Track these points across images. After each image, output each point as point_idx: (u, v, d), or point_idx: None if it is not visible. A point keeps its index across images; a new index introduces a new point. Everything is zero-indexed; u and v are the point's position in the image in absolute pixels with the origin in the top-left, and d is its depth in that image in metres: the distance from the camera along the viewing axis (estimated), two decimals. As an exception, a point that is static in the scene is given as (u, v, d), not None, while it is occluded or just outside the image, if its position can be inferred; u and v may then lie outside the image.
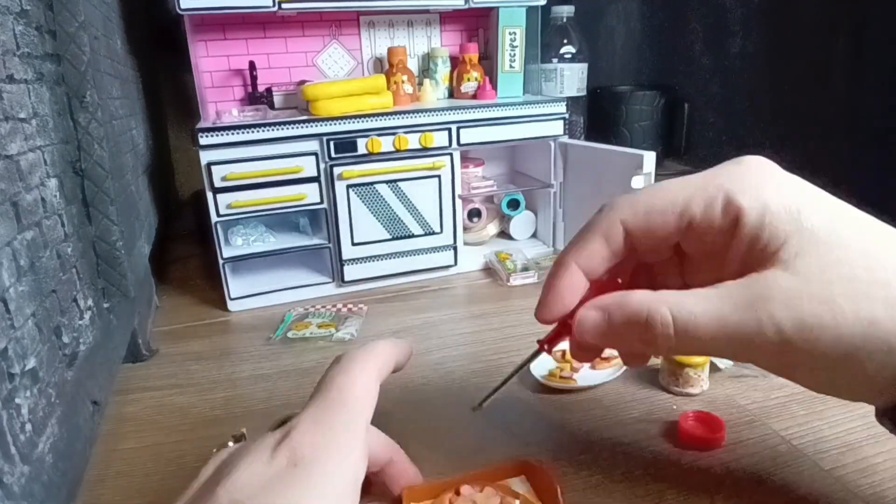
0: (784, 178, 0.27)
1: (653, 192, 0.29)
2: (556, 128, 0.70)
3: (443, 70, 0.75)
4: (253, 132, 0.60)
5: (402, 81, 0.71)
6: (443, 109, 0.65)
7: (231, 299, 0.63)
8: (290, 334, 0.56)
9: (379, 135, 0.63)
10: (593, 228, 0.30)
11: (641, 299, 0.28)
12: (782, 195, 0.26)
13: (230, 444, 0.29)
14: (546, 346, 0.32)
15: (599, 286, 0.30)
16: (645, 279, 0.32)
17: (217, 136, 0.59)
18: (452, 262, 0.70)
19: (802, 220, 0.25)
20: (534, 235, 0.78)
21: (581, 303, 0.30)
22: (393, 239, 0.67)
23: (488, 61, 0.76)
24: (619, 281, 0.31)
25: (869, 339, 0.24)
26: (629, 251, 0.30)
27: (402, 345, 0.34)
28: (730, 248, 0.27)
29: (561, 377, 0.46)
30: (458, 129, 0.66)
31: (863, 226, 0.26)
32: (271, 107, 0.71)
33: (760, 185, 0.26)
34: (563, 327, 0.31)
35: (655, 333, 0.27)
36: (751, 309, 0.25)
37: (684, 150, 1.18)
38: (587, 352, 0.32)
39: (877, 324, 0.24)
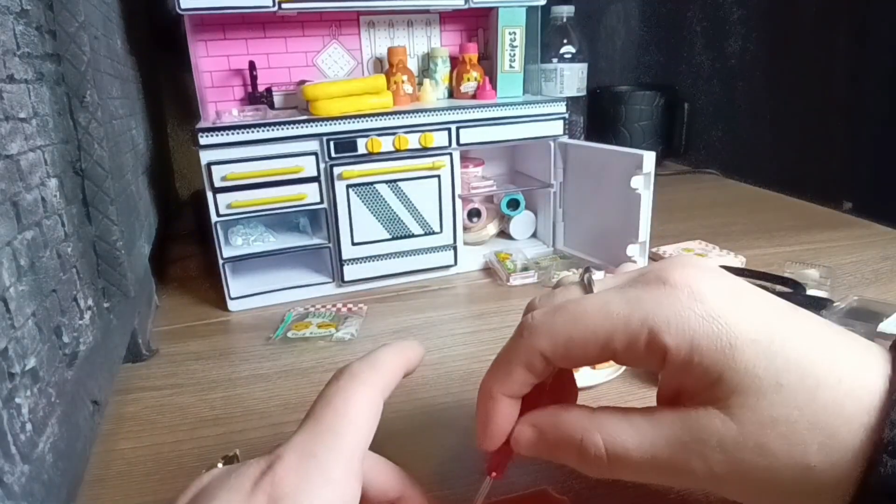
0: (714, 305, 0.25)
1: (573, 320, 0.27)
2: (556, 128, 0.70)
3: (443, 70, 0.75)
4: (253, 132, 0.60)
5: (402, 81, 0.71)
6: (443, 109, 0.66)
7: (231, 299, 0.63)
8: (290, 334, 0.56)
9: (379, 135, 0.63)
10: (514, 359, 0.29)
11: (575, 424, 0.27)
12: (712, 327, 0.24)
13: (219, 464, 0.26)
14: (495, 473, 0.31)
15: (528, 397, 0.30)
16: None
17: (217, 136, 0.59)
18: (452, 262, 0.70)
19: (736, 356, 0.24)
20: (534, 235, 0.78)
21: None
22: (393, 239, 0.67)
23: (488, 61, 0.76)
24: (547, 383, 0.31)
25: (801, 483, 0.23)
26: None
27: (411, 349, 0.30)
28: (661, 373, 0.27)
29: (561, 377, 0.46)
30: (458, 129, 0.66)
31: (800, 349, 0.24)
32: (271, 107, 0.71)
33: (687, 319, 0.25)
34: (500, 450, 0.31)
35: (589, 459, 0.27)
36: (685, 449, 0.25)
37: (684, 149, 1.18)
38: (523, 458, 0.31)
39: (811, 469, 0.23)
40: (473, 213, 0.75)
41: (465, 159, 0.74)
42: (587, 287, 0.29)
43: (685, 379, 0.25)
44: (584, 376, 0.46)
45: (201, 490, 0.23)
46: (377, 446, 0.37)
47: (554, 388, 0.32)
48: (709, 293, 0.25)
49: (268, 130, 0.60)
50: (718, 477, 0.25)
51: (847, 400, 0.23)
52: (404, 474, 0.29)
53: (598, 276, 0.30)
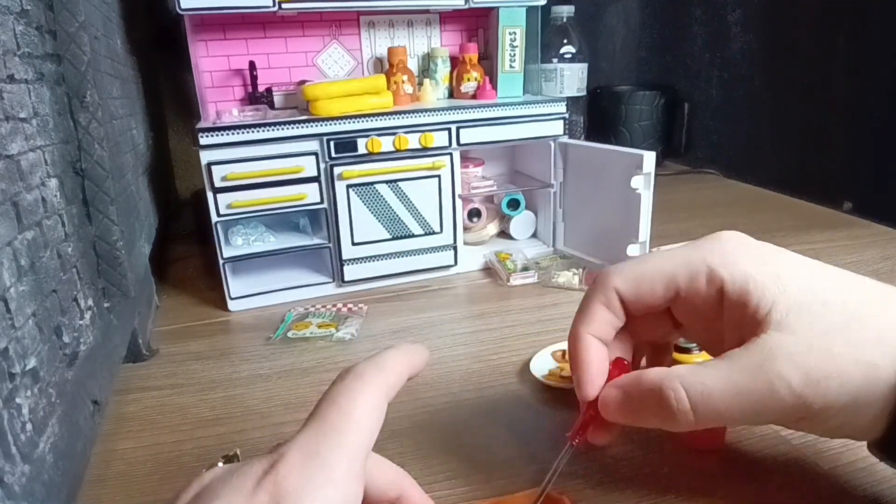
0: (760, 249, 0.30)
1: (641, 262, 0.32)
2: (556, 128, 0.70)
3: (443, 70, 0.75)
4: (253, 132, 0.60)
5: (402, 81, 0.71)
6: (443, 109, 0.65)
7: (231, 299, 0.63)
8: (290, 334, 0.56)
9: (379, 135, 0.63)
10: (593, 298, 0.33)
11: (654, 376, 0.30)
12: (761, 263, 0.29)
13: (220, 463, 0.26)
14: (577, 440, 0.32)
15: (613, 369, 0.33)
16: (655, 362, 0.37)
17: (217, 136, 0.59)
18: (452, 262, 0.70)
19: (784, 284, 0.28)
20: (534, 235, 0.78)
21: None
22: (393, 239, 0.67)
23: (488, 61, 0.76)
24: (627, 362, 0.34)
25: (871, 382, 0.26)
26: (626, 322, 0.33)
27: (416, 352, 0.30)
28: (722, 317, 0.30)
29: (561, 377, 0.46)
30: (458, 129, 0.66)
31: (835, 279, 0.29)
32: (271, 107, 0.71)
33: (739, 257, 0.30)
34: (588, 414, 0.32)
35: (672, 409, 0.28)
36: (760, 371, 0.27)
37: (684, 149, 1.18)
38: (607, 433, 0.33)
39: (875, 367, 0.26)
40: (473, 213, 0.75)
41: (465, 159, 0.74)
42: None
43: (744, 312, 0.28)
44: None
45: (203, 488, 0.23)
46: (378, 446, 0.37)
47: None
48: (753, 243, 0.31)
49: (268, 130, 0.60)
50: (796, 393, 0.26)
51: (883, 312, 0.27)
52: (404, 474, 0.29)
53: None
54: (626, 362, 0.33)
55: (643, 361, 0.37)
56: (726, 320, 0.29)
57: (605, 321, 0.32)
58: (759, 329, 0.28)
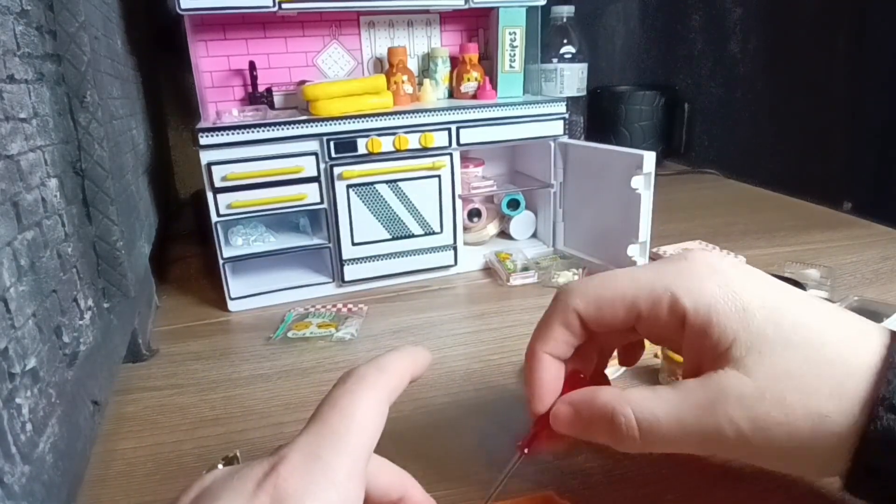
0: (728, 275, 0.29)
1: (604, 283, 0.31)
2: (556, 128, 0.70)
3: (443, 70, 0.75)
4: (253, 132, 0.60)
5: (402, 81, 0.71)
6: (443, 109, 0.65)
7: (231, 299, 0.63)
8: (290, 334, 0.56)
9: (379, 135, 0.63)
10: (552, 317, 0.32)
11: (607, 399, 0.29)
12: (727, 294, 0.28)
13: (220, 465, 0.26)
14: (526, 450, 0.32)
15: (568, 381, 0.33)
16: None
17: (217, 136, 0.59)
18: (452, 262, 0.70)
19: (748, 319, 0.27)
20: (534, 235, 0.78)
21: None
22: (393, 239, 0.67)
23: (488, 61, 0.76)
24: (582, 376, 0.34)
25: (818, 432, 0.25)
26: (589, 336, 0.32)
27: (418, 355, 0.30)
28: (682, 341, 0.29)
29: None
30: (458, 129, 0.66)
31: (805, 316, 0.27)
32: (271, 107, 0.71)
33: (704, 285, 0.28)
34: (539, 426, 0.33)
35: (621, 433, 0.29)
36: (709, 411, 0.27)
37: (684, 149, 1.18)
38: (556, 443, 0.33)
39: (825, 417, 0.25)
40: (473, 213, 0.75)
41: (465, 159, 0.74)
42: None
43: (703, 343, 0.28)
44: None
45: (203, 490, 0.23)
46: (378, 446, 0.37)
47: (592, 381, 0.34)
48: (724, 268, 0.29)
49: (268, 130, 0.60)
50: (743, 436, 0.26)
51: (850, 355, 0.26)
52: (406, 475, 0.29)
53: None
54: (581, 375, 0.34)
55: (612, 357, 0.38)
56: (686, 347, 0.29)
57: (562, 340, 0.32)
58: (716, 363, 0.27)
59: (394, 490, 0.28)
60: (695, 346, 0.28)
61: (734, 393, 0.26)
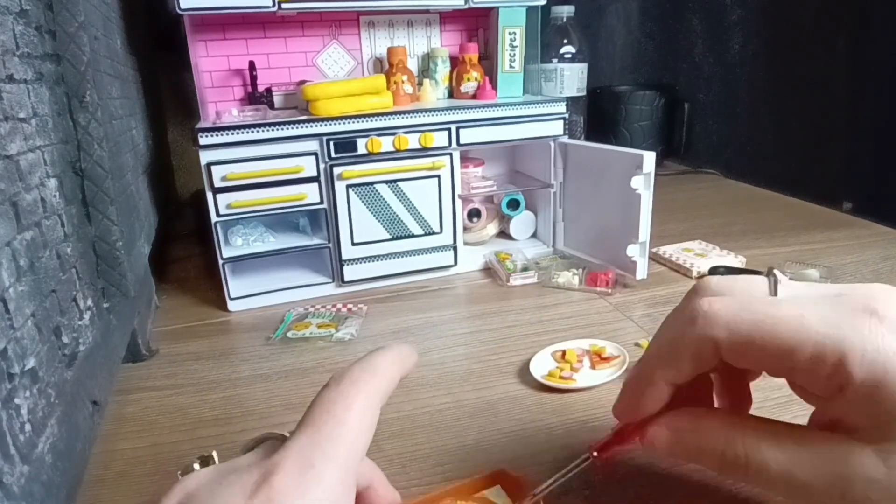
0: None
1: (761, 320, 0.25)
2: (556, 128, 0.70)
3: (443, 70, 0.75)
4: (253, 132, 0.60)
5: (402, 81, 0.71)
6: (443, 109, 0.65)
7: (231, 299, 0.63)
8: (289, 334, 0.56)
9: (379, 135, 0.63)
10: (684, 344, 0.27)
11: (717, 435, 0.27)
12: None
13: (196, 466, 0.25)
14: (597, 454, 0.31)
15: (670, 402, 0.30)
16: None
17: (217, 136, 0.59)
18: (452, 262, 0.70)
19: None
20: (534, 235, 0.78)
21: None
22: (393, 239, 0.67)
23: (488, 61, 0.76)
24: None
25: None
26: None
27: (405, 355, 0.29)
28: (830, 402, 0.25)
29: (561, 377, 0.46)
30: (458, 129, 0.66)
31: None
32: (271, 107, 0.71)
33: (885, 356, 0.23)
34: (619, 437, 0.31)
35: (729, 469, 0.27)
36: (828, 481, 0.24)
37: (684, 149, 1.18)
38: (628, 453, 0.32)
39: None
40: (473, 213, 0.75)
41: (465, 159, 0.74)
42: (772, 289, 0.27)
43: (854, 413, 0.24)
44: (584, 376, 0.46)
45: (188, 496, 0.22)
46: (378, 445, 0.37)
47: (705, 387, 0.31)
48: None
49: (268, 130, 0.60)
50: None
51: None
52: (373, 464, 0.29)
53: (783, 278, 0.28)
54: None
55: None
56: (833, 405, 0.25)
57: (686, 372, 0.27)
58: (858, 435, 0.24)
59: (363, 480, 0.28)
60: (840, 411, 0.25)
61: (864, 477, 0.23)
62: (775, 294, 0.27)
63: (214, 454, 0.26)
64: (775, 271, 0.28)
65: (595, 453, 0.31)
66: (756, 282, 0.28)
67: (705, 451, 0.27)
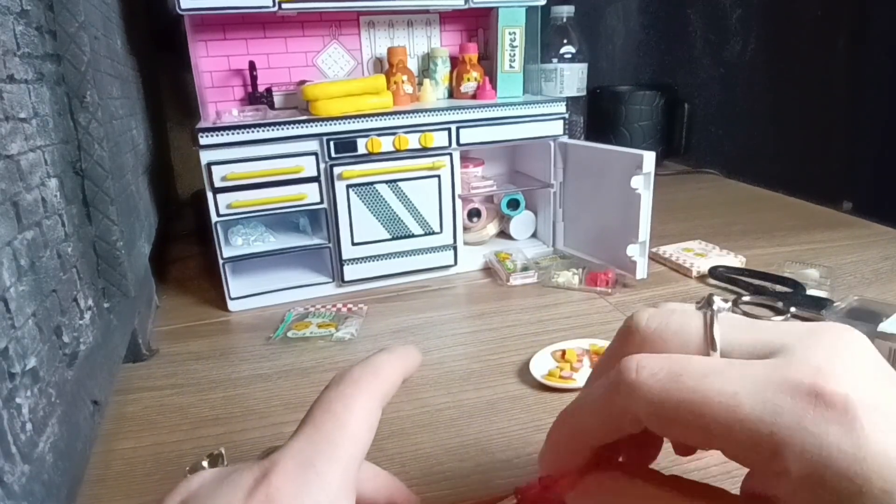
0: (866, 433, 0.19)
1: (688, 401, 0.22)
2: (556, 128, 0.70)
3: (442, 70, 0.75)
4: (253, 132, 0.60)
5: (402, 81, 0.71)
6: (443, 109, 0.66)
7: (231, 299, 0.63)
8: (290, 334, 0.56)
9: (379, 135, 0.63)
10: (608, 415, 0.25)
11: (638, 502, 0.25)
12: (851, 469, 0.19)
13: (204, 464, 0.25)
14: (519, 497, 0.30)
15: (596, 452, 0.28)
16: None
17: (217, 136, 0.59)
18: (452, 262, 0.70)
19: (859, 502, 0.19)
20: (534, 235, 0.78)
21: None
22: (393, 239, 0.67)
23: (488, 61, 0.76)
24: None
25: None
26: None
27: (409, 356, 0.29)
28: (767, 484, 0.22)
29: (561, 377, 0.46)
30: (458, 129, 0.66)
31: None
32: (271, 107, 0.71)
33: (829, 454, 0.20)
34: (544, 484, 0.30)
35: None
36: None
37: (684, 149, 1.18)
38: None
39: None
40: (473, 213, 0.75)
41: (465, 159, 0.74)
42: (707, 330, 0.24)
43: (795, 499, 0.21)
44: (584, 376, 0.46)
45: (190, 495, 0.22)
46: (378, 445, 0.37)
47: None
48: (866, 419, 0.20)
49: (268, 130, 0.60)
50: None
51: None
52: (391, 477, 0.28)
53: (721, 308, 0.25)
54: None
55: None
56: (767, 485, 0.22)
57: (610, 435, 0.25)
58: None
59: (381, 494, 0.28)
60: (781, 491, 0.22)
61: None
62: (711, 338, 0.24)
63: (223, 451, 0.26)
64: (715, 301, 0.25)
65: (520, 496, 0.30)
66: (692, 322, 0.25)
67: None
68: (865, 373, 0.21)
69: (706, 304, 0.25)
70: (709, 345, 0.24)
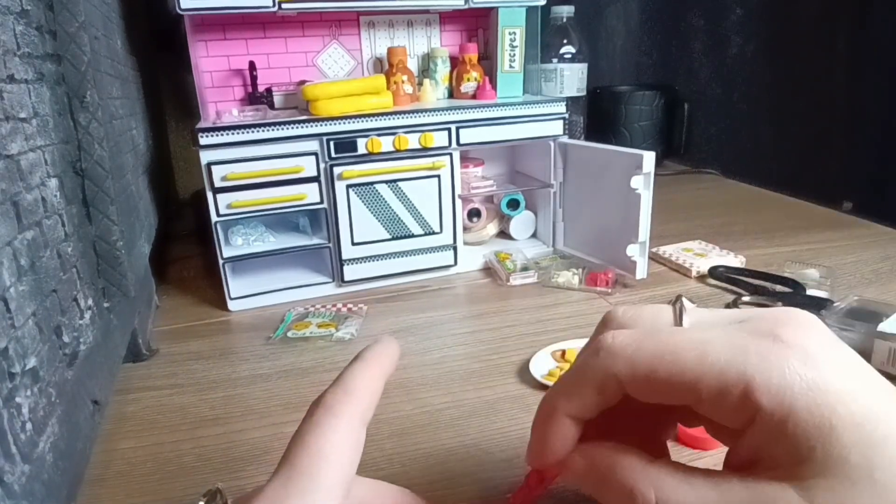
0: (825, 375, 0.22)
1: (662, 352, 0.24)
2: (556, 128, 0.70)
3: (442, 70, 0.75)
4: (253, 132, 0.60)
5: (402, 81, 0.71)
6: (443, 109, 0.66)
7: (231, 299, 0.63)
8: (290, 334, 0.56)
9: (379, 135, 0.63)
10: (587, 379, 0.26)
11: (630, 472, 0.25)
12: (816, 400, 0.21)
13: (201, 503, 0.24)
14: (512, 499, 0.31)
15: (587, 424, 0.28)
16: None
17: (217, 136, 0.59)
18: (452, 262, 0.70)
19: (833, 438, 0.21)
20: (533, 235, 0.78)
21: None
22: (393, 239, 0.67)
23: (488, 61, 0.76)
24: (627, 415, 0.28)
25: None
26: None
27: (383, 357, 0.28)
28: (744, 436, 0.24)
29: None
30: (458, 129, 0.66)
31: None
32: (271, 107, 0.71)
33: (791, 383, 0.22)
34: (532, 480, 0.30)
35: None
36: None
37: (684, 149, 1.18)
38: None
39: None
40: (473, 213, 0.75)
41: (465, 159, 0.74)
42: (677, 318, 0.26)
43: (769, 447, 0.23)
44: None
45: None
46: (378, 445, 0.37)
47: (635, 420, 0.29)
48: (823, 361, 0.22)
49: (268, 130, 0.60)
50: None
51: None
52: (402, 491, 0.28)
53: (689, 305, 0.27)
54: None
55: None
56: (746, 440, 0.23)
57: (589, 404, 0.26)
58: (776, 472, 0.22)
59: None
60: (754, 447, 0.23)
61: None
62: (680, 323, 0.26)
63: (220, 486, 0.25)
64: (683, 299, 0.27)
65: (511, 500, 0.30)
66: (663, 312, 0.27)
67: (614, 488, 0.25)
68: (818, 333, 0.23)
69: (676, 300, 0.27)
70: (678, 322, 0.26)
